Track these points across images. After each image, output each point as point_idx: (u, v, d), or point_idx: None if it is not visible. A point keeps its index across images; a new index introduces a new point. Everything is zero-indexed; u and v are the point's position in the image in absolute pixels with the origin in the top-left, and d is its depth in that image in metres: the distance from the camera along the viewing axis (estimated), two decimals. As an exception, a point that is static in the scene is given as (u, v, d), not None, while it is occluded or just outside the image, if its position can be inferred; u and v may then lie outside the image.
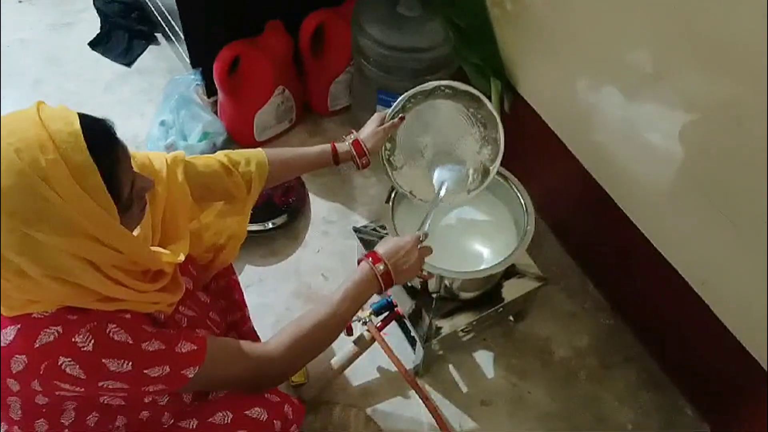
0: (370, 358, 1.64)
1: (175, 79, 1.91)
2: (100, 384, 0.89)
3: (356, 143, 1.38)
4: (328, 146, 1.37)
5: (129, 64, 2.28)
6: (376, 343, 1.56)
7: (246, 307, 1.46)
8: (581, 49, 1.51)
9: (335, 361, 1.56)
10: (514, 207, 1.54)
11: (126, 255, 0.89)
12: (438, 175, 1.48)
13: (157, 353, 0.93)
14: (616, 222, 1.60)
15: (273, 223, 1.85)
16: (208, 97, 2.00)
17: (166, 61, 2.28)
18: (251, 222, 1.81)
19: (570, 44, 1.54)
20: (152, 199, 1.04)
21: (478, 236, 1.54)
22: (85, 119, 0.83)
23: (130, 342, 0.90)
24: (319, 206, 1.97)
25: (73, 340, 0.86)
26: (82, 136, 0.80)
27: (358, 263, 1.21)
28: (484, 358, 1.70)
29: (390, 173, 1.47)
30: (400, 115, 1.44)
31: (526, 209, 1.48)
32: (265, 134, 2.04)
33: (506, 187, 1.54)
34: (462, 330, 1.54)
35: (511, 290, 1.58)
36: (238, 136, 2.02)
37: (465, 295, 1.54)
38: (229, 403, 1.11)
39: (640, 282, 1.67)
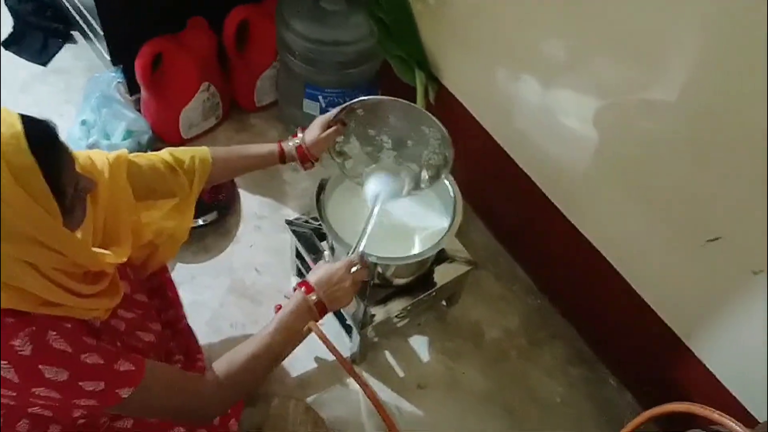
0: (307, 348, 1.64)
1: (96, 78, 1.87)
2: (33, 390, 0.87)
3: (300, 150, 1.37)
4: (275, 147, 1.36)
5: (45, 64, 2.21)
6: (312, 333, 1.57)
7: (180, 304, 1.45)
8: (499, 41, 1.57)
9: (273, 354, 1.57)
10: (443, 195, 1.58)
11: (68, 257, 0.87)
12: (372, 188, 1.46)
13: (95, 367, 0.91)
14: (540, 206, 1.67)
15: (203, 220, 1.84)
16: (131, 95, 1.96)
17: (84, 60, 2.22)
18: (180, 219, 1.83)
19: (488, 36, 1.60)
20: (94, 199, 1.01)
21: (409, 224, 1.57)
22: (26, 120, 0.82)
23: (69, 351, 0.88)
24: (249, 201, 1.97)
25: (11, 343, 0.84)
26: (24, 137, 0.79)
27: (294, 290, 1.21)
28: (419, 343, 1.74)
29: (341, 165, 1.47)
30: (342, 120, 1.42)
31: (455, 197, 1.53)
32: (191, 131, 2.02)
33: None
34: (397, 316, 1.58)
35: (443, 275, 1.62)
36: (163, 134, 1.99)
37: (398, 281, 1.58)
38: None
39: (564, 263, 1.75)
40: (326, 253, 1.59)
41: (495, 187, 1.86)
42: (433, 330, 1.77)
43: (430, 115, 1.39)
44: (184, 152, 1.24)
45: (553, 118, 1.51)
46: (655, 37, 1.19)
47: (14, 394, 0.88)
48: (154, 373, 0.99)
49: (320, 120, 1.39)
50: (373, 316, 1.54)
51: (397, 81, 1.86)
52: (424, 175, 1.49)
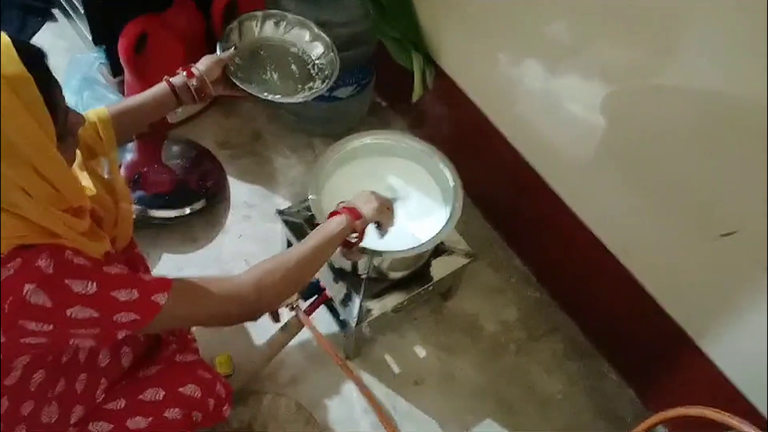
0: (299, 344, 1.60)
1: (77, 59, 1.78)
2: (68, 312, 0.85)
3: (188, 70, 1.32)
4: (163, 83, 1.31)
5: (23, 43, 2.11)
6: (305, 328, 1.51)
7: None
8: (501, 21, 1.50)
9: (262, 350, 1.51)
10: (441, 183, 1.52)
11: (59, 190, 0.86)
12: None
13: (121, 277, 0.90)
14: (540, 194, 1.61)
15: (191, 209, 1.77)
16: (114, 77, 1.87)
17: (65, 40, 2.12)
18: (167, 208, 1.75)
19: (489, 17, 1.53)
20: None
21: (407, 214, 1.51)
22: (14, 39, 0.81)
23: (89, 265, 0.87)
24: (238, 189, 1.89)
25: (35, 264, 0.82)
26: (13, 48, 0.79)
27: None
28: (414, 338, 1.68)
29: (241, 84, 1.40)
30: (231, 47, 1.42)
31: (454, 185, 1.47)
32: (178, 116, 1.94)
33: (433, 163, 1.52)
34: (392, 311, 1.52)
35: (440, 268, 1.56)
36: (148, 118, 1.91)
37: (394, 274, 1.52)
38: (161, 379, 1.09)
39: (564, 253, 1.69)
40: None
41: (493, 174, 1.79)
42: (429, 324, 1.71)
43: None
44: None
45: (557, 104, 1.45)
46: (666, 16, 1.12)
47: (50, 326, 0.84)
48: (182, 280, 0.97)
49: (211, 55, 1.38)
50: (370, 311, 1.48)
51: (393, 65, 1.78)
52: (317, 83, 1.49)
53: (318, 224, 1.35)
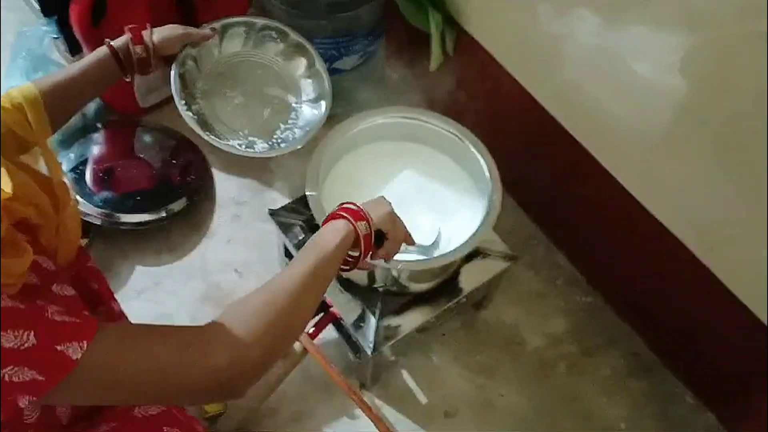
0: (303, 371, 1.32)
1: (22, 33, 1.48)
2: None
3: (135, 30, 1.05)
4: (104, 48, 1.04)
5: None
6: (308, 355, 1.23)
7: (114, 300, 1.07)
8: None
9: (259, 383, 1.22)
10: (473, 171, 1.22)
11: None
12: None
13: (14, 312, 0.60)
14: (592, 178, 1.31)
15: (168, 210, 1.48)
16: (72, 55, 1.57)
17: (15, 12, 1.80)
18: (140, 210, 1.46)
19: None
20: None
21: (432, 210, 1.21)
22: None
23: None
24: (225, 184, 1.59)
25: None
26: None
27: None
28: (443, 358, 1.39)
29: (179, 94, 1.14)
30: (211, 27, 1.18)
31: (490, 174, 1.16)
32: (150, 98, 1.63)
33: (462, 147, 1.21)
34: (417, 330, 1.22)
35: (474, 275, 1.26)
36: (115, 103, 1.62)
37: (417, 287, 1.22)
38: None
39: (621, 248, 1.39)
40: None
41: (531, 155, 1.48)
42: (460, 340, 1.41)
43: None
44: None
45: (617, 65, 1.14)
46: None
47: None
48: (116, 328, 0.68)
49: (177, 25, 1.15)
50: (390, 332, 1.19)
51: (405, 27, 1.47)
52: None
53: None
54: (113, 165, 1.53)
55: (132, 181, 1.52)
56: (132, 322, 1.04)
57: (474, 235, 1.10)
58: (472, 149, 1.18)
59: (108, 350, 0.64)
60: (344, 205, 0.90)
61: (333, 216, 0.89)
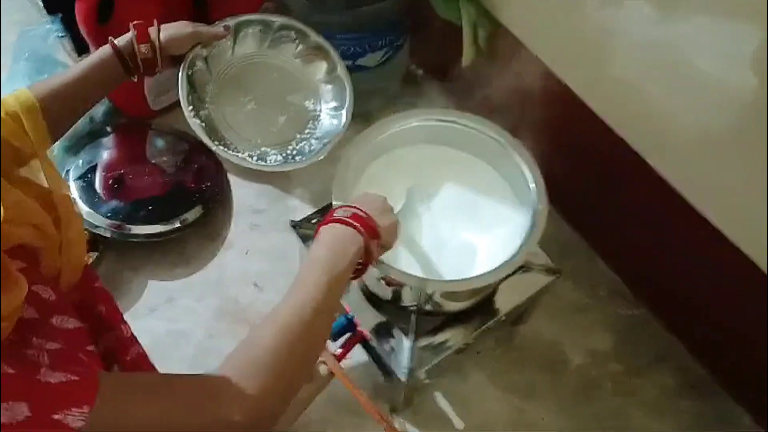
0: (328, 395, 1.21)
1: (25, 32, 1.39)
2: None
3: (140, 27, 0.97)
4: (107, 47, 0.96)
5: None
6: (334, 378, 1.13)
7: (124, 323, 0.98)
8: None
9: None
10: (514, 179, 1.11)
11: None
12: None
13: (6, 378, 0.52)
14: (640, 181, 1.19)
15: (182, 220, 1.38)
16: (79, 55, 1.48)
17: (19, 11, 1.71)
18: (152, 221, 1.37)
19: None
20: None
21: (472, 223, 1.11)
22: None
23: None
24: (242, 191, 1.49)
25: None
26: None
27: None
28: (479, 378, 1.29)
29: (187, 98, 1.06)
30: (224, 25, 1.09)
31: (535, 184, 1.05)
32: (162, 100, 1.54)
33: (504, 153, 1.10)
34: (456, 352, 1.12)
35: (514, 291, 1.16)
36: (125, 105, 1.53)
37: (453, 305, 1.12)
38: None
39: (671, 256, 1.28)
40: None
41: (573, 156, 1.37)
42: (497, 359, 1.31)
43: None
44: None
45: (673, 60, 1.02)
46: None
47: None
48: (119, 380, 0.59)
49: (187, 22, 1.07)
50: (424, 353, 1.09)
51: (432, 19, 1.36)
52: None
53: None
54: (124, 171, 1.44)
55: (144, 188, 1.43)
56: (143, 346, 0.95)
57: (518, 252, 0.99)
58: (515, 155, 1.07)
59: (111, 413, 0.54)
60: (353, 211, 0.80)
61: (342, 221, 0.79)
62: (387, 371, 1.17)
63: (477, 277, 0.99)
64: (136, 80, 1.00)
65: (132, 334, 0.98)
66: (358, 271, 0.83)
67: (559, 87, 1.25)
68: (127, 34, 0.97)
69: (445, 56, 1.48)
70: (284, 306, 0.72)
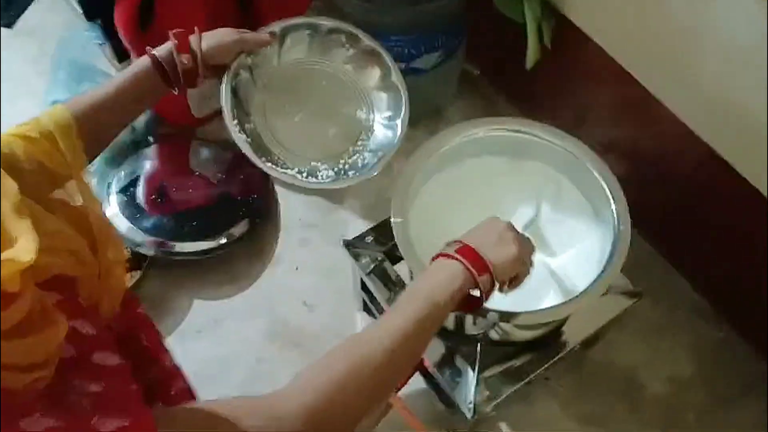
0: (386, 423, 1.13)
1: (64, 39, 1.33)
2: None
3: (181, 36, 0.88)
4: (145, 59, 0.87)
5: (9, 25, 1.67)
6: (393, 410, 1.05)
7: (166, 352, 0.90)
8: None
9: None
10: (591, 196, 1.00)
11: None
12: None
13: None
14: (726, 190, 1.08)
15: (229, 235, 1.31)
16: (120, 62, 1.41)
17: (60, 14, 1.65)
18: (196, 237, 1.30)
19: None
20: None
21: (543, 244, 1.00)
22: None
23: None
24: (291, 203, 1.42)
25: None
26: None
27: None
28: (548, 407, 1.19)
29: (231, 112, 0.95)
30: (269, 30, 0.98)
31: (614, 200, 0.94)
32: (206, 106, 1.46)
33: (579, 166, 0.99)
34: (526, 384, 1.02)
35: (590, 316, 1.05)
36: (167, 113, 1.47)
37: (523, 334, 1.02)
38: None
39: (761, 272, 1.15)
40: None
41: (650, 165, 1.25)
42: (567, 386, 1.21)
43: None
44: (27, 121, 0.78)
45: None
46: None
47: None
48: (175, 418, 0.56)
49: (231, 29, 0.96)
50: (491, 385, 1.00)
51: (492, 16, 1.25)
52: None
53: (412, 265, 0.89)
54: (167, 183, 1.38)
55: (188, 200, 1.37)
56: (188, 372, 0.87)
57: (599, 280, 0.89)
58: (593, 171, 0.96)
59: None
60: (460, 246, 0.73)
61: (448, 255, 0.72)
62: (448, 401, 1.08)
63: (553, 309, 0.89)
64: (177, 92, 0.93)
65: (174, 363, 0.91)
66: (469, 305, 0.75)
67: (636, 89, 1.14)
68: (166, 43, 0.89)
69: (506, 56, 1.37)
70: (367, 336, 0.65)
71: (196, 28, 0.92)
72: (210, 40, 0.91)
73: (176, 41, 0.89)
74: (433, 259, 0.74)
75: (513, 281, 0.78)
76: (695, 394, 1.20)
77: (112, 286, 0.74)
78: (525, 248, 0.77)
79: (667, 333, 1.26)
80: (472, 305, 0.76)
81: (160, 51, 0.89)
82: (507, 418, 1.17)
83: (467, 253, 0.72)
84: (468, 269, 0.71)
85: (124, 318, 0.84)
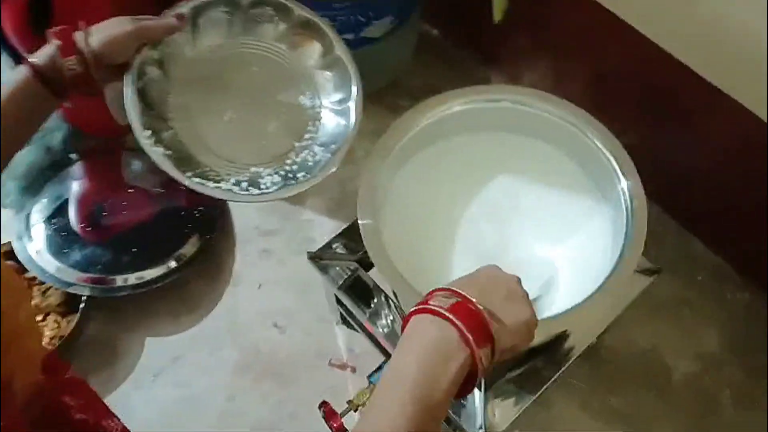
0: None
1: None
2: None
3: (64, 34, 0.70)
4: (22, 69, 0.70)
5: None
6: None
7: (110, 417, 0.75)
8: None
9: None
10: (594, 169, 0.84)
11: None
12: None
13: None
14: (738, 133, 0.94)
15: (178, 258, 1.15)
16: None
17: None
18: (141, 266, 1.12)
19: None
20: None
21: (541, 232, 0.85)
22: None
23: None
24: (245, 211, 1.25)
25: None
26: None
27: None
28: (566, 406, 1.06)
29: (140, 120, 0.78)
30: (176, 13, 0.80)
31: (625, 174, 0.78)
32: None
33: (576, 137, 0.82)
34: (537, 399, 0.88)
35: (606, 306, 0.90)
36: (85, 125, 1.28)
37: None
38: None
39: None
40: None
41: (652, 118, 1.10)
42: (584, 379, 1.07)
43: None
44: None
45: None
46: None
47: None
48: None
49: (125, 18, 0.77)
50: (504, 408, 0.86)
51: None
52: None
53: (388, 278, 0.74)
54: (102, 202, 1.21)
55: (126, 220, 1.19)
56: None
57: (614, 274, 0.73)
58: (595, 140, 0.79)
59: None
60: (459, 299, 0.53)
61: (441, 316, 0.52)
62: (457, 427, 0.93)
63: (563, 315, 0.73)
64: (71, 106, 0.74)
65: (123, 426, 0.75)
66: (463, 388, 0.53)
67: (631, 36, 0.98)
68: (45, 47, 0.70)
69: (468, 12, 1.20)
70: None
71: (80, 23, 0.73)
72: (100, 34, 0.72)
73: (59, 42, 0.71)
74: (419, 308, 0.54)
75: (504, 353, 0.56)
76: (728, 369, 1.07)
77: (27, 351, 0.60)
78: (535, 313, 0.60)
79: (687, 303, 1.13)
80: (464, 392, 0.54)
81: (40, 57, 0.71)
82: (521, 425, 1.03)
83: (467, 314, 0.52)
84: (468, 342, 0.51)
85: (49, 389, 0.68)
